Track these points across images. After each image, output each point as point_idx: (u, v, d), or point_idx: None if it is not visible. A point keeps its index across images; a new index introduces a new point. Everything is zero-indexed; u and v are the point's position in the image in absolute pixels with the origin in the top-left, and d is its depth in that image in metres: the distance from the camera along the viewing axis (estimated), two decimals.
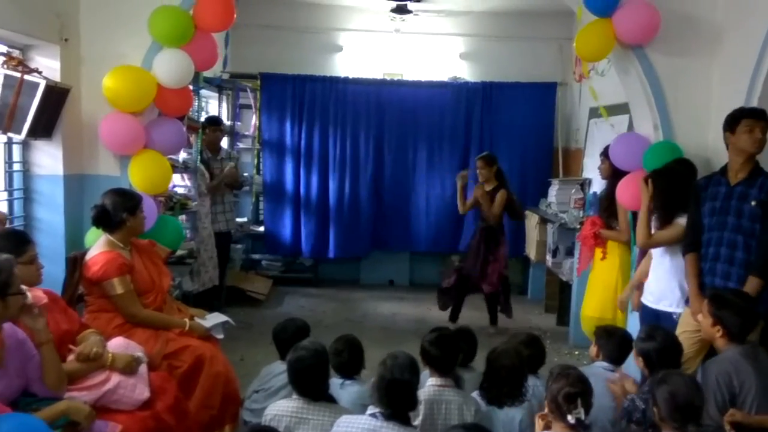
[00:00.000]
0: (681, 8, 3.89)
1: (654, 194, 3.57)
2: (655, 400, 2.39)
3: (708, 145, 3.75)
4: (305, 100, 7.14)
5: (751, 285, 3.11)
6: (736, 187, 3.28)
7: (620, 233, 4.52)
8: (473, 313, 6.14)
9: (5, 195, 3.75)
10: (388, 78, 7.36)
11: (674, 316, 3.54)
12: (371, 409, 2.52)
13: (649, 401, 2.54)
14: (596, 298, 4.72)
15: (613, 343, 3.22)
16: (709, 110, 3.85)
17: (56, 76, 3.70)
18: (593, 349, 3.29)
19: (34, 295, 2.49)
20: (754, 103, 3.55)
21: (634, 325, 3.97)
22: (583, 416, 2.31)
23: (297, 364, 2.76)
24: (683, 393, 2.33)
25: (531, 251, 6.68)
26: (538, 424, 2.50)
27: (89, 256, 3.30)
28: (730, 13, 3.83)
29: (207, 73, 5.75)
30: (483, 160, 5.83)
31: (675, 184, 3.55)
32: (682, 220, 3.52)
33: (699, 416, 2.35)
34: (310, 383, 2.74)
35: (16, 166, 3.83)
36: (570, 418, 2.31)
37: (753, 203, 3.19)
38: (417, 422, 2.68)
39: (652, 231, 3.63)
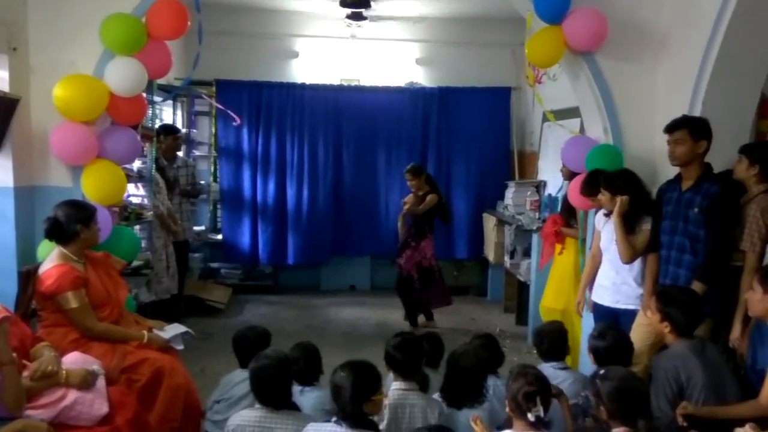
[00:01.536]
0: (628, 15, 4.01)
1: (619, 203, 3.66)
2: (600, 397, 2.45)
3: (655, 148, 3.88)
4: (262, 107, 7.12)
5: (695, 289, 3.24)
6: (685, 193, 3.44)
7: (578, 230, 4.67)
8: (450, 318, 6.20)
9: None
10: (345, 84, 7.39)
11: (632, 313, 3.66)
12: (335, 417, 2.54)
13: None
14: (552, 290, 4.92)
15: (543, 343, 3.38)
16: (655, 114, 3.98)
17: (5, 86, 3.60)
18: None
19: None
20: (698, 107, 3.70)
21: (591, 321, 4.09)
22: (542, 414, 2.36)
23: (259, 372, 2.75)
24: (627, 386, 2.40)
25: (489, 253, 6.80)
26: (477, 427, 2.56)
27: (42, 269, 3.23)
28: (675, 20, 3.96)
29: (161, 81, 5.66)
30: (410, 172, 6.01)
31: (637, 189, 3.66)
32: (647, 225, 3.64)
33: (646, 410, 2.42)
34: (273, 392, 2.73)
35: None
36: (530, 416, 2.36)
37: (695, 210, 3.33)
38: (382, 426, 2.71)
39: (613, 236, 3.73)
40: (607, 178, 3.71)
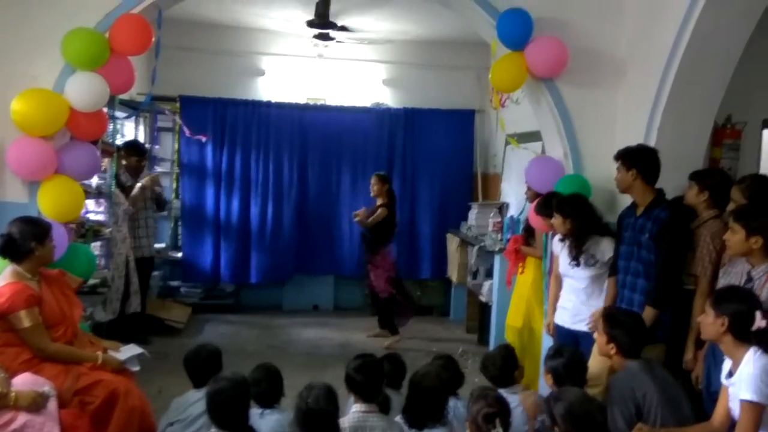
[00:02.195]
0: (588, 44, 4.12)
1: (572, 224, 3.73)
2: (554, 419, 2.46)
3: (613, 174, 3.98)
4: (227, 124, 7.08)
5: (646, 314, 3.33)
6: (638, 218, 3.53)
7: (536, 249, 4.80)
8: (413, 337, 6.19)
9: None
10: (311, 103, 7.40)
11: (591, 336, 3.71)
12: None
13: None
14: (513, 308, 4.99)
15: (491, 369, 3.33)
16: (613, 140, 4.06)
17: None
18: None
19: None
20: (653, 134, 3.81)
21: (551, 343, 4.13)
22: None
23: (217, 396, 2.70)
24: (578, 405, 2.42)
25: (453, 273, 6.84)
26: None
27: None
28: (633, 49, 4.09)
29: (124, 96, 5.59)
30: (378, 177, 6.23)
31: (585, 213, 3.74)
32: (596, 243, 3.72)
33: (599, 428, 2.45)
34: (230, 416, 2.69)
35: None
36: None
37: (646, 236, 3.43)
38: None
39: (569, 261, 3.80)
40: (558, 202, 3.79)
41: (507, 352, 3.43)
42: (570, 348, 3.16)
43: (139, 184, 5.74)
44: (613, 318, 3.07)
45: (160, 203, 6.19)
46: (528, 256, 4.92)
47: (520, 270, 5.01)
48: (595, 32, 4.15)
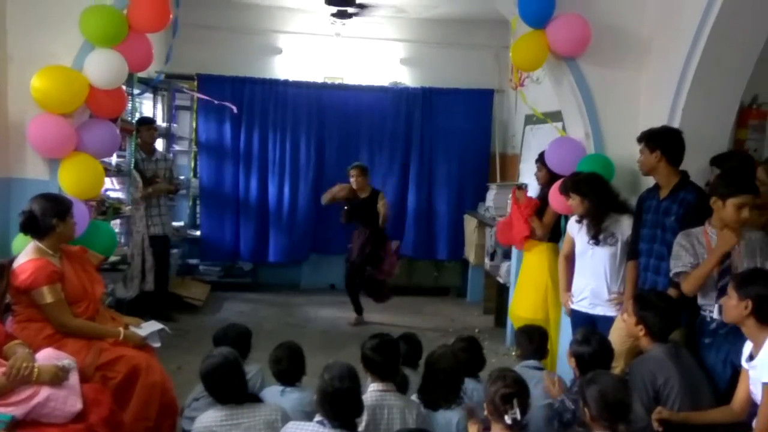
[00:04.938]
0: (611, 21, 4.04)
1: (590, 203, 3.70)
2: (585, 400, 2.47)
3: (635, 155, 3.92)
4: (244, 102, 7.06)
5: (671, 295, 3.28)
6: (662, 201, 3.49)
7: (539, 226, 4.75)
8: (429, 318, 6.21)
9: None
10: (328, 81, 7.36)
11: (609, 320, 3.69)
12: (319, 416, 2.53)
13: (578, 401, 2.63)
14: (529, 299, 4.84)
15: (530, 339, 3.45)
16: (637, 121, 4.01)
17: None
18: (518, 350, 3.45)
19: None
20: (678, 114, 3.74)
21: (568, 325, 4.12)
22: (519, 416, 2.38)
23: (210, 373, 2.79)
24: (612, 392, 2.42)
25: (470, 254, 6.82)
26: (470, 428, 2.58)
27: (17, 263, 3.16)
28: (657, 27, 4.00)
29: (142, 74, 5.60)
30: (360, 169, 6.15)
31: (602, 192, 3.71)
32: (614, 222, 3.69)
33: (628, 415, 2.45)
34: (228, 389, 2.77)
35: None
36: (507, 419, 2.37)
37: (672, 219, 3.38)
38: (361, 428, 2.70)
39: (587, 240, 3.76)
40: (574, 182, 3.76)
41: (543, 328, 3.65)
42: (598, 336, 3.14)
43: (150, 190, 5.71)
44: (643, 300, 3.05)
45: (173, 189, 6.20)
46: (538, 243, 4.83)
47: (528, 249, 4.90)
48: (619, 10, 4.06)
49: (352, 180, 6.13)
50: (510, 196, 6.19)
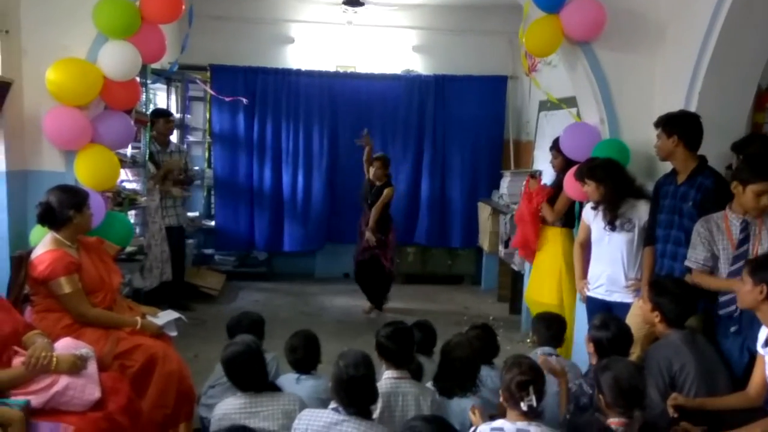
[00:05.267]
0: (626, 5, 3.99)
1: (606, 189, 3.68)
2: (599, 386, 2.47)
3: (651, 140, 3.88)
4: (257, 92, 7.08)
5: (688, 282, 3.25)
6: (680, 186, 3.45)
7: (550, 213, 4.74)
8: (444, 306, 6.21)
9: None
10: (341, 70, 7.34)
11: (626, 306, 3.67)
12: (334, 404, 2.55)
13: (594, 387, 2.62)
14: (544, 284, 4.84)
15: (548, 327, 3.44)
16: (652, 106, 3.96)
17: None
18: (534, 337, 3.46)
19: None
20: (694, 99, 3.69)
21: (583, 311, 4.10)
22: (535, 403, 2.37)
23: (231, 361, 2.81)
24: (627, 378, 2.41)
25: (484, 242, 6.79)
26: (474, 416, 2.59)
27: (35, 254, 3.21)
28: (673, 10, 3.94)
29: (155, 65, 5.62)
30: (382, 161, 6.07)
31: (617, 177, 3.68)
32: (629, 207, 3.67)
33: (642, 400, 2.45)
34: (249, 377, 2.79)
35: None
36: (523, 405, 2.37)
37: (690, 204, 3.35)
38: (375, 415, 2.72)
39: (604, 226, 3.74)
40: (589, 168, 3.73)
41: (561, 316, 3.69)
42: (617, 321, 3.12)
43: (158, 187, 5.71)
44: (659, 286, 3.03)
45: (187, 181, 6.20)
46: (552, 229, 4.82)
47: (544, 238, 4.87)
48: None
49: (373, 170, 6.09)
50: (523, 182, 6.19)
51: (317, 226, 7.32)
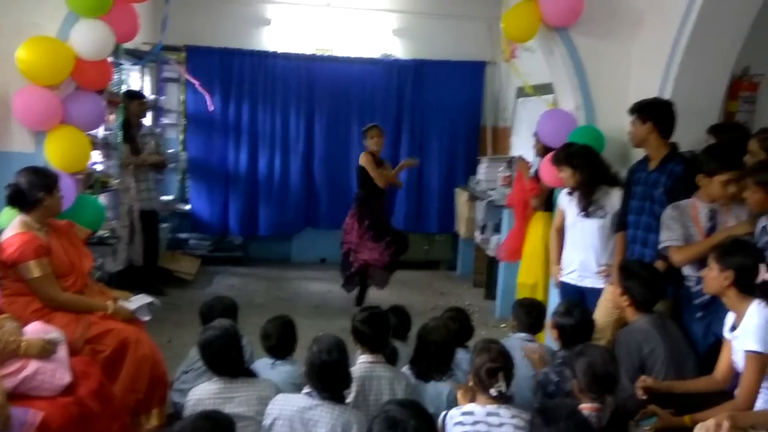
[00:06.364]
0: None
1: (582, 175, 3.70)
2: (574, 372, 2.50)
3: (626, 127, 3.91)
4: (233, 75, 6.98)
5: (657, 267, 3.29)
6: (651, 173, 3.49)
7: (537, 201, 4.84)
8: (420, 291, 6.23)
9: None
10: (318, 53, 7.26)
11: (597, 292, 3.71)
12: (307, 388, 2.55)
13: (562, 373, 2.66)
14: (524, 264, 4.96)
15: (527, 314, 3.43)
16: (628, 93, 3.99)
17: None
18: (514, 322, 3.47)
19: None
20: (669, 86, 3.73)
21: (557, 296, 4.14)
22: (504, 389, 2.40)
23: (208, 344, 2.79)
24: (601, 364, 2.45)
25: (460, 228, 6.83)
26: (461, 396, 2.60)
27: (3, 237, 3.14)
28: None
29: (128, 45, 5.50)
30: (381, 128, 5.66)
31: (593, 164, 3.71)
32: (604, 194, 3.69)
33: (615, 387, 2.49)
34: (226, 362, 2.77)
35: None
36: (492, 391, 2.40)
37: (661, 190, 3.39)
38: (349, 399, 2.73)
39: (577, 212, 3.77)
40: (566, 154, 3.74)
41: (540, 302, 3.70)
42: (580, 308, 3.16)
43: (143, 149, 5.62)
44: (628, 270, 3.07)
45: (160, 164, 6.08)
46: (536, 212, 4.88)
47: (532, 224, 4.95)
48: None
49: (375, 140, 5.59)
50: (500, 169, 6.23)
51: (293, 210, 7.28)
